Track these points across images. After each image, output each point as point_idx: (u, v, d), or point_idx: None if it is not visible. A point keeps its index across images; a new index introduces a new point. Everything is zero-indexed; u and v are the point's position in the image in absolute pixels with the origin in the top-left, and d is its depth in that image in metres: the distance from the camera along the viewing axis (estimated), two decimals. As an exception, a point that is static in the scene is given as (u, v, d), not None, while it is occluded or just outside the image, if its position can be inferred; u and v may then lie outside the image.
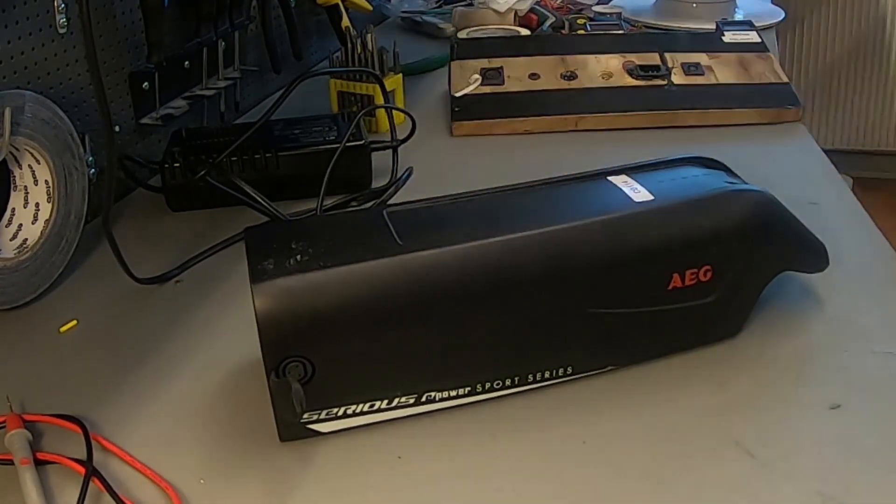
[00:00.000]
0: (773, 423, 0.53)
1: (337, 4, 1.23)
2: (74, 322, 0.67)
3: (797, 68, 2.68)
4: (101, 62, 0.84)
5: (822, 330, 0.62)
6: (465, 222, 0.56)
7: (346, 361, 0.51)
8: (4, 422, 0.54)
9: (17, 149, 0.68)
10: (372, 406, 0.53)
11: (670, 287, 0.55)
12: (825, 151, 0.93)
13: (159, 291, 0.71)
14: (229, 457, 0.53)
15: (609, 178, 0.60)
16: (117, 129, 0.88)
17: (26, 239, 0.70)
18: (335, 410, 0.52)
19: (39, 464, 0.51)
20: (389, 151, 0.89)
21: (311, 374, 0.50)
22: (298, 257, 0.51)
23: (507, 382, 0.55)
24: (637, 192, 0.57)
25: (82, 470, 0.50)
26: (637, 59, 1.07)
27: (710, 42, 1.11)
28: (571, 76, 1.06)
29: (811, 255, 0.63)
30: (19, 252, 0.69)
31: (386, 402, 0.53)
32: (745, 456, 0.50)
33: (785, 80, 1.05)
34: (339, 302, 0.50)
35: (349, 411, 0.53)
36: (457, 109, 1.03)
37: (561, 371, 0.56)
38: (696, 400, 0.55)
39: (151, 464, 0.52)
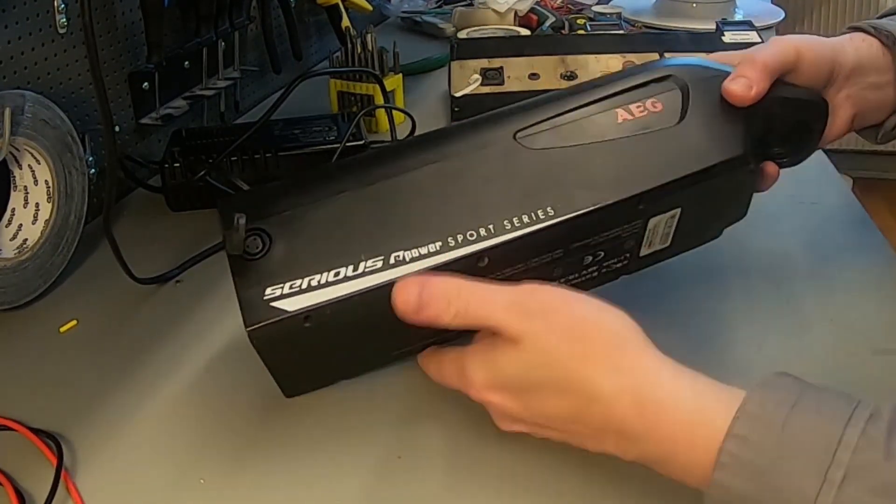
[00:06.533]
0: (773, 423, 0.53)
1: (337, 4, 1.23)
2: (74, 322, 0.67)
3: (797, 68, 2.67)
4: (102, 62, 0.84)
5: (822, 330, 0.62)
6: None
7: (302, 227, 0.51)
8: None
9: (17, 149, 0.68)
10: (337, 275, 0.50)
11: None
12: (825, 151, 0.92)
13: (159, 291, 0.71)
14: (229, 457, 0.53)
15: None
16: (117, 129, 0.88)
17: (26, 239, 0.70)
18: (298, 283, 0.50)
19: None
20: (389, 151, 0.89)
21: (269, 244, 0.50)
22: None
23: (482, 233, 0.51)
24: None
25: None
26: (637, 59, 1.07)
27: (710, 42, 1.11)
28: (571, 76, 1.06)
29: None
30: (19, 252, 0.69)
31: (351, 268, 0.50)
32: (745, 456, 0.50)
33: (785, 79, 1.04)
34: (290, 177, 0.52)
35: (313, 283, 0.50)
36: (457, 109, 1.03)
37: (541, 214, 0.51)
38: (696, 400, 0.55)
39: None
